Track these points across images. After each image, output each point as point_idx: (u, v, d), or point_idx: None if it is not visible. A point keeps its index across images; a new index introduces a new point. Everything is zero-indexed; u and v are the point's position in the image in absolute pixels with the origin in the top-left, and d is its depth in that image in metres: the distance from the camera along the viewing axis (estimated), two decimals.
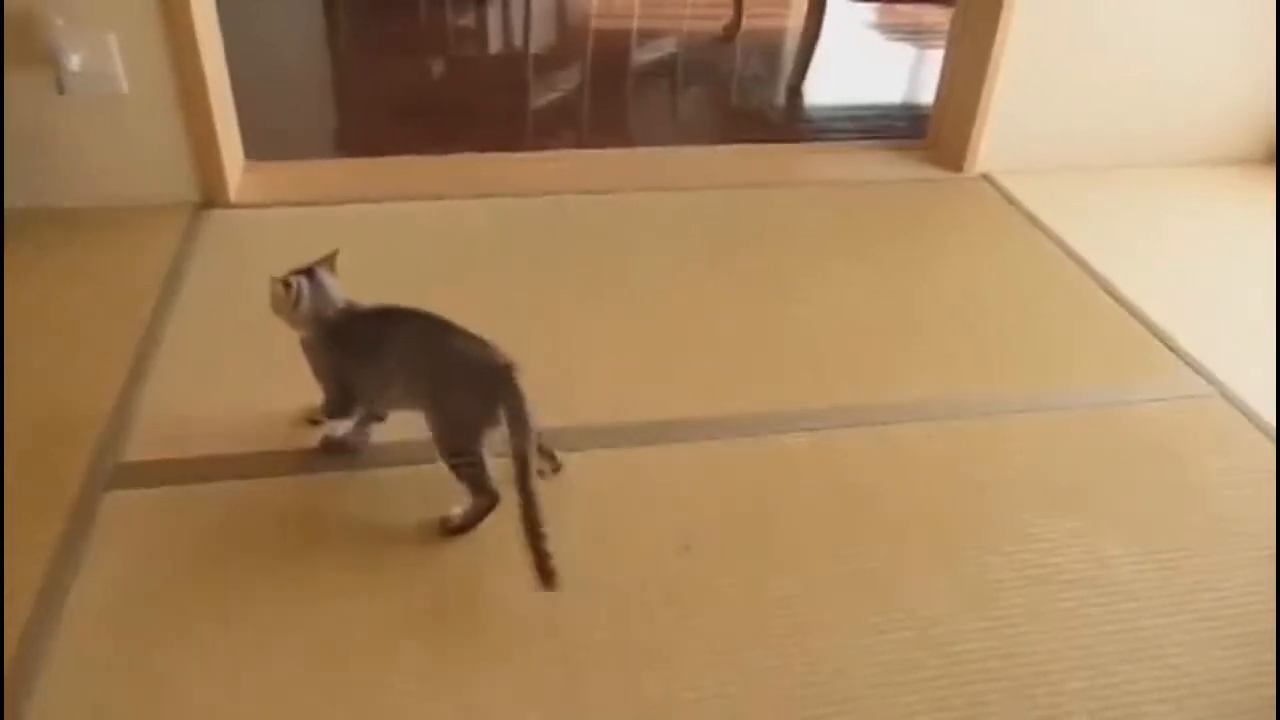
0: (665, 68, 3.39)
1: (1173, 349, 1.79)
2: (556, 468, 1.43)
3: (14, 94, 1.93)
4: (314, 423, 1.50)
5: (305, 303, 1.34)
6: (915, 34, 3.71)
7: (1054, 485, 1.48)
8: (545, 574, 1.20)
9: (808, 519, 1.40)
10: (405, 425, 1.37)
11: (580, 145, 2.71)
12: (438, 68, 3.29)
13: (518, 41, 3.58)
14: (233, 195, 2.12)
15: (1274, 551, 1.38)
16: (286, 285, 1.33)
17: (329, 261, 1.39)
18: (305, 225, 2.05)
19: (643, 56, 3.41)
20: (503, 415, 1.25)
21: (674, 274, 1.96)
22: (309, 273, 1.36)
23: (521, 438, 1.24)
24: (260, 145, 2.27)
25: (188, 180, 2.09)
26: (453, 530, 1.34)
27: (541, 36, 3.58)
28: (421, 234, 2.06)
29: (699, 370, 1.68)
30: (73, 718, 1.11)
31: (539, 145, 2.68)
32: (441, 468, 1.32)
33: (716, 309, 1.85)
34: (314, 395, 1.43)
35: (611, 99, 3.09)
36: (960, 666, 1.19)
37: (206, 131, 2.04)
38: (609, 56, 3.37)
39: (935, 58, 2.68)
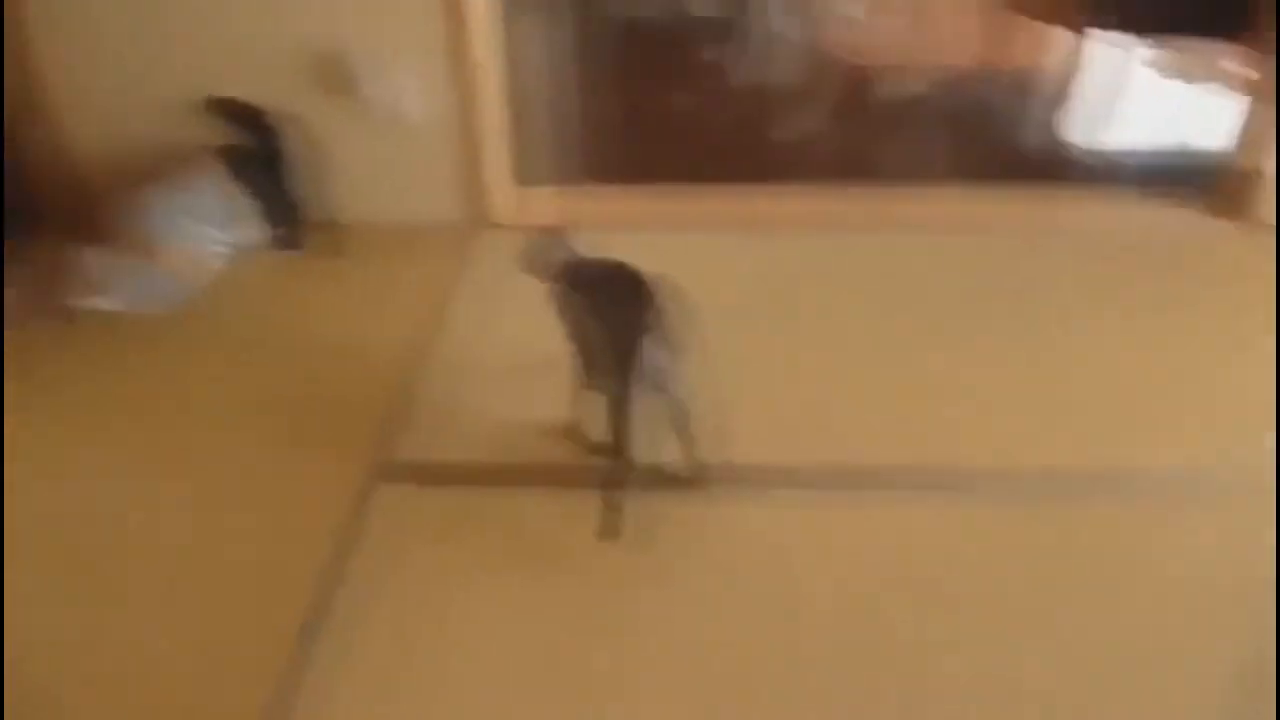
0: (918, 104, 3.32)
1: None
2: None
3: (320, 120, 2.16)
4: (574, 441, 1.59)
5: (543, 257, 1.55)
6: (1197, 76, 3.44)
7: None
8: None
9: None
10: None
11: (829, 182, 2.69)
12: (690, 99, 3.37)
13: (768, 75, 3.62)
14: (504, 216, 2.27)
15: None
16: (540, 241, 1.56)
17: (566, 230, 1.60)
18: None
19: (895, 91, 3.36)
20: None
21: (912, 318, 1.92)
22: (554, 236, 1.58)
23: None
24: (524, 170, 2.42)
25: (463, 202, 2.26)
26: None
27: (794, 70, 3.60)
28: (673, 263, 2.11)
29: (937, 420, 1.63)
30: (346, 686, 1.21)
31: (786, 179, 2.68)
32: None
33: (970, 358, 1.78)
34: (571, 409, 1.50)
35: (862, 135, 3.05)
36: None
37: (488, 157, 2.21)
38: (860, 91, 3.34)
39: (1219, 102, 2.47)
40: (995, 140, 3.06)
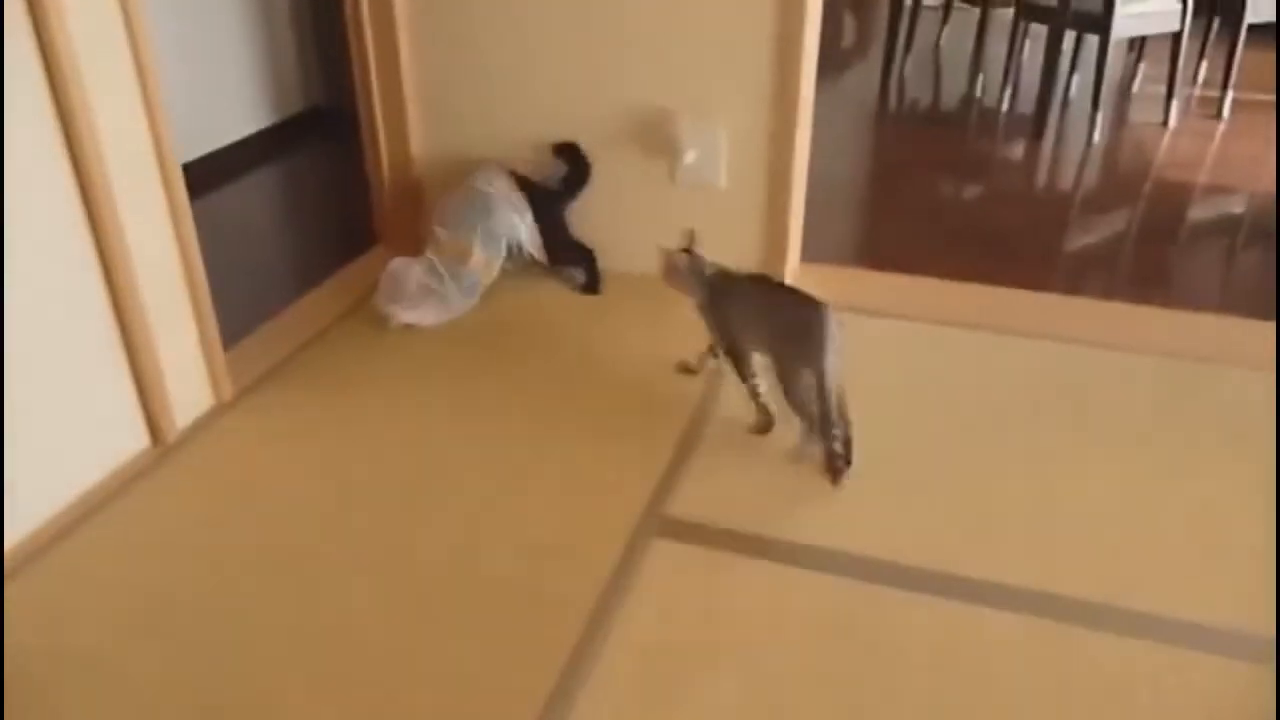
0: (1227, 228, 3.10)
1: None
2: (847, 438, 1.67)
3: (640, 176, 2.29)
4: (689, 371, 1.96)
5: (688, 270, 1.78)
6: None
7: None
8: (832, 471, 1.64)
9: None
10: None
11: (1114, 297, 2.57)
12: (978, 195, 3.32)
13: (1064, 180, 3.50)
14: None
15: None
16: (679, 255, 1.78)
17: (694, 238, 1.82)
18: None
19: (1203, 213, 3.16)
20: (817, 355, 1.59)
21: (1173, 451, 1.79)
22: (688, 250, 1.80)
23: (821, 359, 1.59)
24: (808, 247, 2.45)
25: (755, 269, 2.31)
26: (834, 473, 1.66)
27: (1094, 177, 3.46)
28: (946, 358, 2.09)
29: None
30: None
31: (1071, 289, 2.58)
32: None
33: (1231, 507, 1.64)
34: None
35: (1158, 253, 2.89)
36: None
37: (780, 230, 2.26)
38: (1164, 207, 3.16)
39: None
40: None
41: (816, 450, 1.68)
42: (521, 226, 2.24)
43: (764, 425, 1.80)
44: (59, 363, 1.60)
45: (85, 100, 1.52)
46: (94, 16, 1.53)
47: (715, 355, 1.87)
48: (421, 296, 2.15)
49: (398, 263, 2.17)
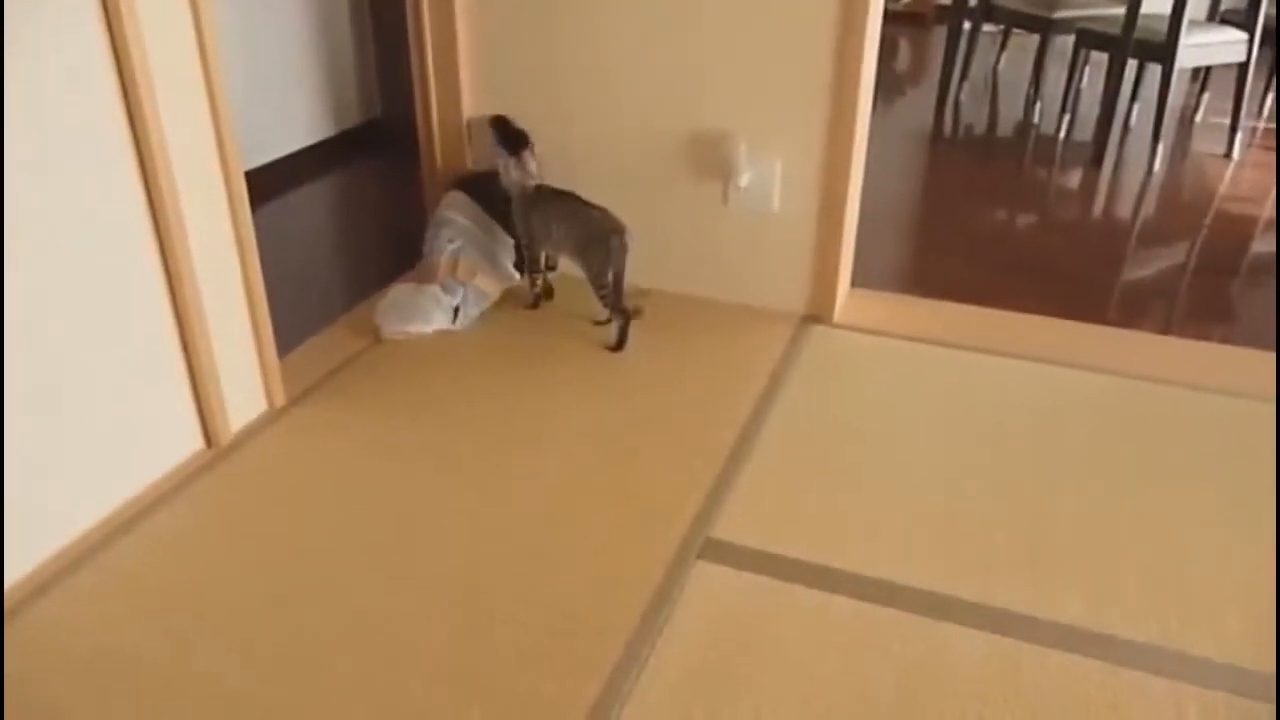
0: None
1: None
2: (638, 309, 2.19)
3: (693, 198, 2.29)
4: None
5: (515, 174, 2.20)
6: None
7: None
8: (622, 338, 2.16)
9: None
10: None
11: (1170, 331, 2.52)
12: (1033, 224, 3.28)
13: (1123, 210, 3.44)
14: (836, 316, 2.30)
15: None
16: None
17: (531, 147, 2.19)
18: (894, 354, 2.18)
19: (1265, 247, 3.08)
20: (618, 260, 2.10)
21: (1233, 491, 1.74)
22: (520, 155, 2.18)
23: (620, 267, 2.11)
24: (859, 273, 2.44)
25: (803, 295, 2.31)
26: (614, 348, 2.16)
27: (1153, 208, 3.40)
28: (996, 389, 2.06)
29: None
30: None
31: (1125, 322, 2.54)
32: None
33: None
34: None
35: (1216, 288, 2.83)
36: None
37: (831, 255, 2.25)
38: (1224, 241, 3.10)
39: None
40: None
41: (614, 327, 2.16)
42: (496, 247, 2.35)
43: (535, 303, 2.34)
44: (119, 362, 1.64)
45: (155, 105, 1.56)
46: (166, 24, 1.57)
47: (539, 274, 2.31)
48: (416, 315, 2.21)
49: (399, 290, 2.26)
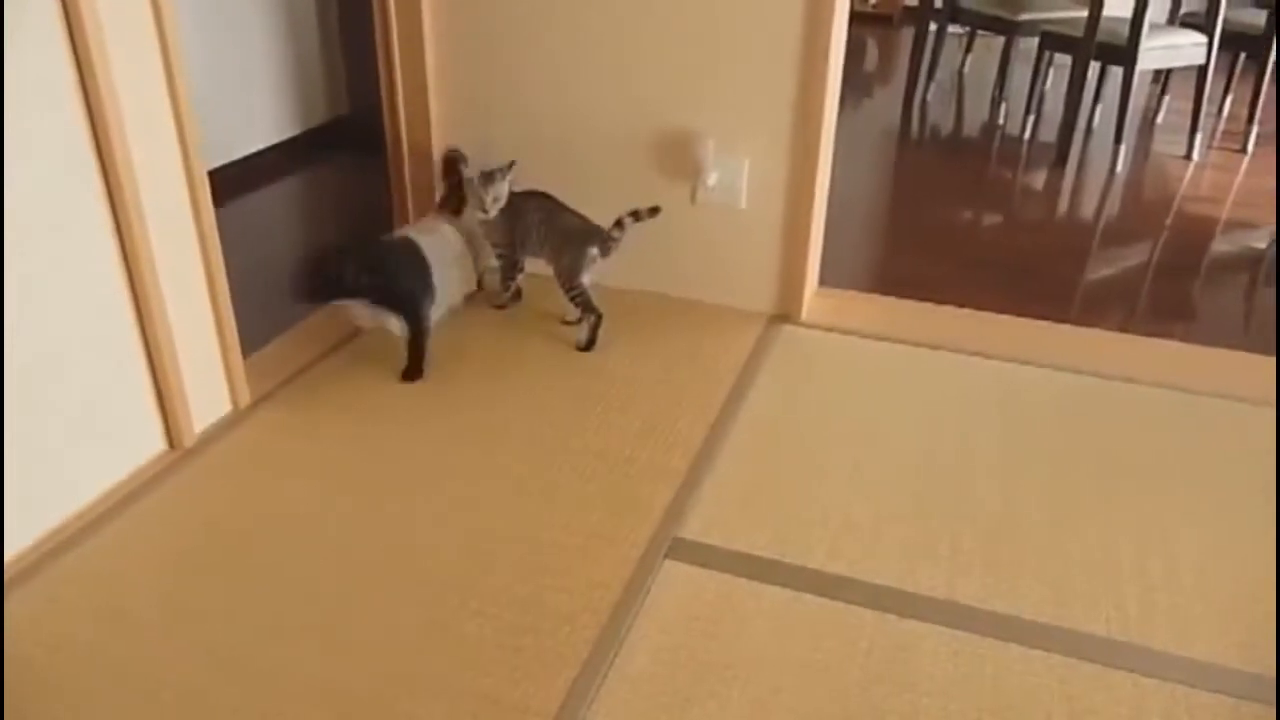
0: (1249, 263, 3.09)
1: None
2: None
3: (662, 198, 2.28)
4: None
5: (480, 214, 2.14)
6: None
7: None
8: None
9: None
10: None
11: (1130, 329, 2.56)
12: (998, 224, 3.31)
13: (1086, 210, 3.49)
14: (804, 315, 2.31)
15: None
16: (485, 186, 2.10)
17: (508, 169, 2.10)
18: (862, 353, 2.19)
19: (1224, 247, 3.14)
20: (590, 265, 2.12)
21: (1190, 489, 1.77)
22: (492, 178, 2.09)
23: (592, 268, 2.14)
24: (827, 272, 2.45)
25: (771, 294, 2.32)
26: (584, 348, 2.17)
27: (1115, 208, 3.45)
28: (962, 387, 2.08)
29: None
30: None
31: (1086, 320, 2.57)
32: None
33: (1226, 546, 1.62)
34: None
35: (1178, 286, 2.88)
36: None
37: (799, 254, 2.26)
38: (1184, 240, 3.15)
39: None
40: None
41: (584, 327, 2.16)
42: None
43: (505, 304, 2.34)
44: (81, 363, 1.61)
45: (115, 105, 1.54)
46: (126, 21, 1.55)
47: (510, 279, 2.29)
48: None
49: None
